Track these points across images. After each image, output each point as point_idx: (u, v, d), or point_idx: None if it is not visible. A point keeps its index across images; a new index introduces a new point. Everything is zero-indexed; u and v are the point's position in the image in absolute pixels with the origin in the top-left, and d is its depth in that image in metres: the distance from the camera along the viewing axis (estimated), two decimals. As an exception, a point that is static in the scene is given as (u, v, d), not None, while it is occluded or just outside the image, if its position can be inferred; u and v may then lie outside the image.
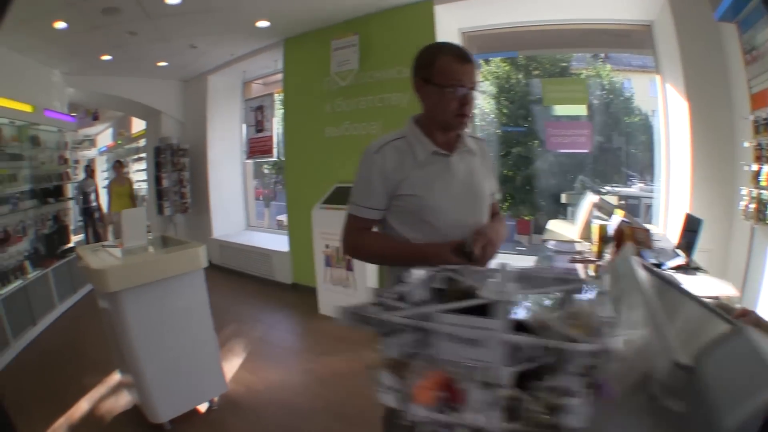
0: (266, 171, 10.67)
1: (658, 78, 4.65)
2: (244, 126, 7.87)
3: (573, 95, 5.44)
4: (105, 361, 4.56)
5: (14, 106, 5.67)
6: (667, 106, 4.58)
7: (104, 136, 15.87)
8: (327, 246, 5.16)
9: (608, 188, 7.52)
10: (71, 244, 7.03)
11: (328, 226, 5.10)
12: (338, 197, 5.20)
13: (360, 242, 1.80)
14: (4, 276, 5.34)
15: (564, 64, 7.28)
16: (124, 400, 3.87)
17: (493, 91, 6.24)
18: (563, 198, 7.01)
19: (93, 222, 9.62)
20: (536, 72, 6.27)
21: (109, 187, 8.29)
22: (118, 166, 8.20)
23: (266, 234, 8.04)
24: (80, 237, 7.73)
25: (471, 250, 1.58)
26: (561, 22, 4.98)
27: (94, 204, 9.91)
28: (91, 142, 16.41)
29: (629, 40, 5.14)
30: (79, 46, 6.08)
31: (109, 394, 4.06)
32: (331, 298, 5.28)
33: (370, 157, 1.74)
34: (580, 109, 5.48)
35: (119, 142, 13.30)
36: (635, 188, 7.81)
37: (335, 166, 5.60)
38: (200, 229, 8.40)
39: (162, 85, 8.48)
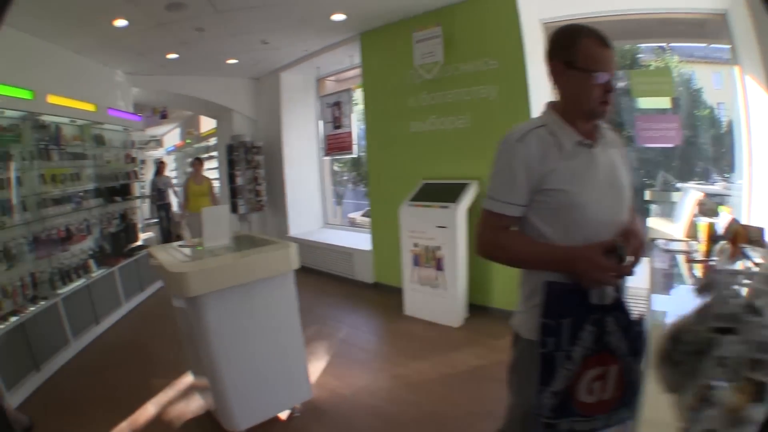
0: (336, 168, 10.68)
1: (736, 69, 4.42)
2: (321, 123, 8.01)
3: (660, 87, 5.19)
4: (174, 361, 4.51)
5: (76, 105, 5.76)
6: (747, 99, 4.35)
7: (172, 136, 16.66)
8: (415, 245, 5.20)
9: (690, 185, 7.14)
10: (139, 243, 7.28)
11: (417, 225, 5.15)
12: (426, 194, 5.26)
13: (499, 242, 1.64)
14: (66, 274, 5.43)
15: (636, 55, 7.00)
16: (195, 405, 3.74)
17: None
18: (647, 195, 6.70)
19: (168, 220, 9.97)
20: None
21: (186, 186, 7.90)
22: (197, 164, 7.86)
23: (343, 232, 8.25)
24: (149, 235, 8.07)
25: (623, 253, 1.47)
26: (636, 11, 4.85)
27: (168, 201, 10.32)
28: (158, 142, 17.01)
29: (703, 30, 4.95)
30: (143, 45, 6.16)
31: (179, 398, 3.92)
32: (418, 299, 5.28)
33: (511, 146, 1.57)
34: (665, 102, 5.23)
35: (188, 141, 13.92)
36: (717, 185, 7.39)
37: (421, 162, 5.64)
38: (276, 228, 8.69)
39: (232, 83, 8.80)
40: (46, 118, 5.23)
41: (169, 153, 15.82)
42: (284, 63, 7.83)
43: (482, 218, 1.66)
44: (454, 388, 3.70)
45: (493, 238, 1.64)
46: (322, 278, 7.23)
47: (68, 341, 5.01)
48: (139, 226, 7.54)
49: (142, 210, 8.23)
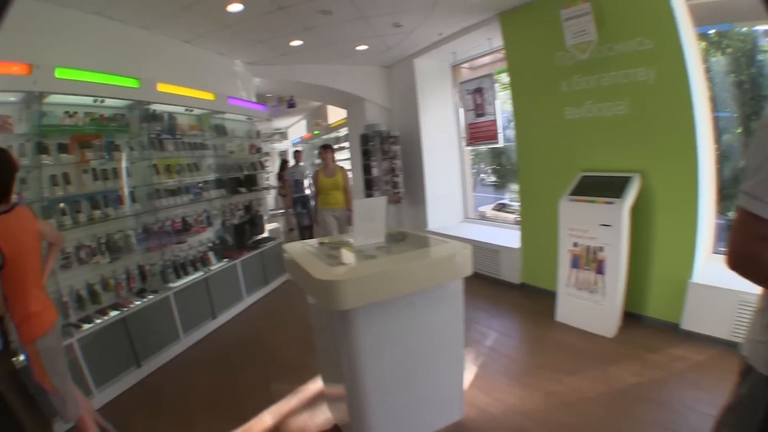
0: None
1: None
2: (461, 111, 7.87)
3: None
4: (300, 365, 4.31)
5: (190, 94, 5.83)
6: None
7: (297, 128, 17.30)
8: (575, 244, 4.98)
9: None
10: (264, 234, 7.45)
11: (578, 222, 4.91)
12: (586, 188, 5.00)
13: (761, 256, 1.32)
14: (182, 267, 5.49)
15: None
16: (322, 417, 3.47)
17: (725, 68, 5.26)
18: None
19: (307, 215, 10.09)
20: (729, 49, 5.26)
21: (315, 179, 7.06)
22: (326, 152, 6.82)
23: (485, 227, 8.13)
24: (273, 225, 8.27)
25: None
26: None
27: (307, 192, 10.40)
28: (283, 134, 17.73)
29: None
30: (262, 32, 6.15)
31: (303, 408, 3.64)
32: (573, 305, 5.06)
33: None
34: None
35: (316, 132, 14.19)
36: None
37: (578, 152, 5.38)
38: (414, 221, 8.82)
39: (362, 71, 8.92)
40: (157, 108, 5.36)
41: (294, 145, 16.05)
42: (418, 48, 7.80)
43: (739, 221, 1.38)
44: (611, 409, 3.42)
45: (752, 250, 1.34)
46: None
47: (178, 337, 5.09)
48: (265, 217, 7.71)
49: (267, 201, 8.42)
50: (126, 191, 4.72)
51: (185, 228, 5.58)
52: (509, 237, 6.57)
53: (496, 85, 6.99)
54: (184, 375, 4.47)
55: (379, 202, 3.58)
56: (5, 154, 2.76)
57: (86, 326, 4.04)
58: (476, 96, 7.20)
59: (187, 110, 5.92)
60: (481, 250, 6.85)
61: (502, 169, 8.66)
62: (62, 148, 4.20)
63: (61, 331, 3.39)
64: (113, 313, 4.32)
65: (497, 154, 9.01)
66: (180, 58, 6.15)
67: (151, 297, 4.77)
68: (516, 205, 7.38)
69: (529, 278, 6.15)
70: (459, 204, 8.62)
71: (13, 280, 2.69)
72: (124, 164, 4.71)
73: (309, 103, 13.18)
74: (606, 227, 4.61)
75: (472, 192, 8.80)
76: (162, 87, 5.31)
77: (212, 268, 5.82)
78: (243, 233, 6.91)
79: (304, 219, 10.11)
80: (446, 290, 2.99)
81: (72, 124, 4.33)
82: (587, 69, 5.08)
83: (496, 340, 4.84)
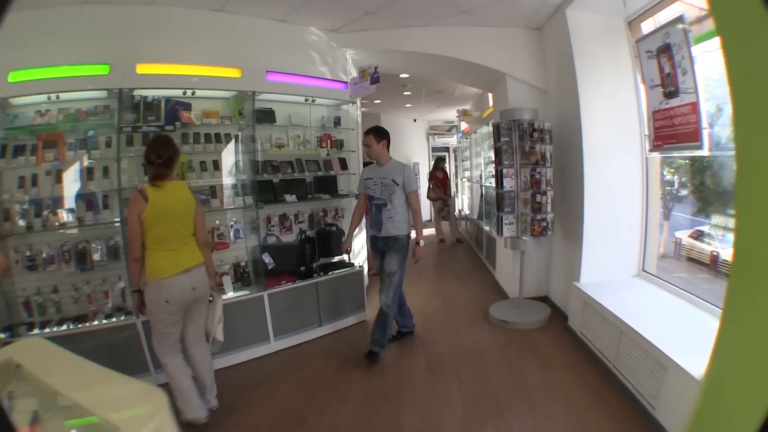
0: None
1: None
2: (642, 91, 4.79)
3: None
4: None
5: (198, 72, 4.90)
6: None
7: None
8: None
9: None
10: (343, 257, 6.20)
11: None
12: None
13: None
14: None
15: None
16: None
17: None
18: None
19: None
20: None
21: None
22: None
23: (669, 294, 4.65)
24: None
25: None
26: None
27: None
28: (455, 127, 15.87)
29: None
30: None
31: None
32: None
33: None
34: None
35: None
36: None
37: None
38: (563, 266, 6.00)
39: (499, 35, 6.24)
40: (152, 93, 4.79)
41: (458, 140, 14.49)
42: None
43: None
44: None
45: None
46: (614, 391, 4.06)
47: (148, 372, 4.44)
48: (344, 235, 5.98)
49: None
50: (99, 195, 4.51)
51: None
52: (698, 336, 3.37)
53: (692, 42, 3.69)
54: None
55: None
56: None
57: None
58: (662, 60, 3.98)
59: (185, 93, 4.89)
60: (636, 348, 3.72)
61: (704, 190, 4.96)
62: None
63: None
64: (64, 327, 4.23)
65: (699, 168, 5.17)
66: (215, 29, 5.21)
67: (123, 318, 4.43)
68: (718, 236, 4.38)
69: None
70: (634, 246, 5.28)
71: None
72: (85, 164, 4.44)
73: (466, 90, 10.54)
74: None
75: (658, 227, 5.32)
76: (144, 68, 4.53)
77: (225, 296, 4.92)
78: (299, 255, 5.55)
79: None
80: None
81: (44, 123, 4.33)
82: None
83: None
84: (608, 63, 5.14)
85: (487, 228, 9.12)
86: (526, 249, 5.81)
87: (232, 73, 5.08)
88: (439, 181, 12.08)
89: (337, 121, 6.08)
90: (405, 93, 11.24)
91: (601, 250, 5.27)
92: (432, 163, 13.62)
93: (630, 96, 5.12)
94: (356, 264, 6.19)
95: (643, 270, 5.23)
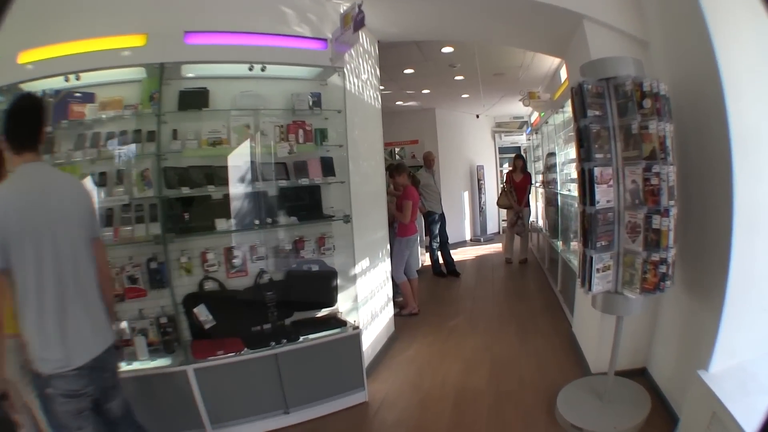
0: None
1: None
2: None
3: None
4: None
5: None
6: None
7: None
8: None
9: None
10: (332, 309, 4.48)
11: None
12: None
13: None
14: None
15: None
16: None
17: None
18: None
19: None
20: None
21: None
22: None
23: None
24: None
25: None
26: None
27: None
28: (525, 123, 13.92)
29: None
30: None
31: None
32: None
33: None
34: None
35: (541, 114, 9.71)
36: None
37: None
38: (686, 331, 3.57)
39: None
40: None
41: (527, 135, 12.68)
42: None
43: None
44: None
45: None
46: None
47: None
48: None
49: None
50: None
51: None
52: None
53: None
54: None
55: None
56: None
57: None
58: None
59: (67, 80, 3.60)
60: None
61: None
62: None
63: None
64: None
65: None
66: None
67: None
68: None
69: None
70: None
71: None
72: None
73: (524, 69, 8.12)
74: None
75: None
76: (26, 57, 3.49)
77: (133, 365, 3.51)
78: (255, 309, 3.92)
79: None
80: None
81: None
82: None
83: None
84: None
85: (561, 249, 6.73)
86: (628, 313, 3.48)
87: (133, 41, 3.61)
88: (515, 186, 9.78)
89: (317, 101, 4.00)
90: (457, 77, 8.94)
91: (755, 317, 2.90)
92: (510, 162, 11.26)
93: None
94: (351, 322, 4.16)
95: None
